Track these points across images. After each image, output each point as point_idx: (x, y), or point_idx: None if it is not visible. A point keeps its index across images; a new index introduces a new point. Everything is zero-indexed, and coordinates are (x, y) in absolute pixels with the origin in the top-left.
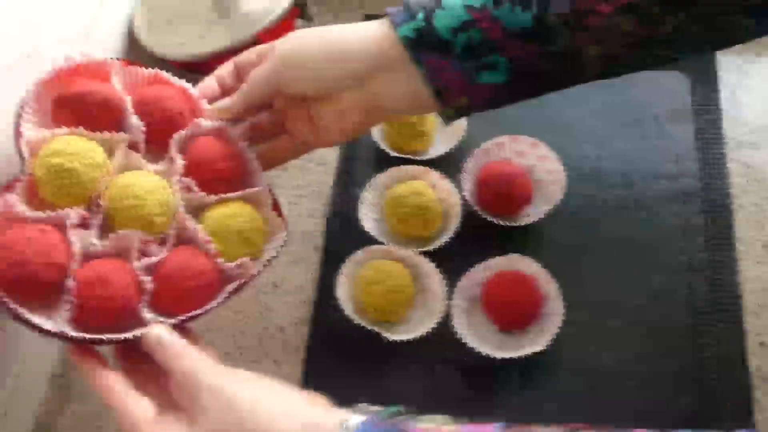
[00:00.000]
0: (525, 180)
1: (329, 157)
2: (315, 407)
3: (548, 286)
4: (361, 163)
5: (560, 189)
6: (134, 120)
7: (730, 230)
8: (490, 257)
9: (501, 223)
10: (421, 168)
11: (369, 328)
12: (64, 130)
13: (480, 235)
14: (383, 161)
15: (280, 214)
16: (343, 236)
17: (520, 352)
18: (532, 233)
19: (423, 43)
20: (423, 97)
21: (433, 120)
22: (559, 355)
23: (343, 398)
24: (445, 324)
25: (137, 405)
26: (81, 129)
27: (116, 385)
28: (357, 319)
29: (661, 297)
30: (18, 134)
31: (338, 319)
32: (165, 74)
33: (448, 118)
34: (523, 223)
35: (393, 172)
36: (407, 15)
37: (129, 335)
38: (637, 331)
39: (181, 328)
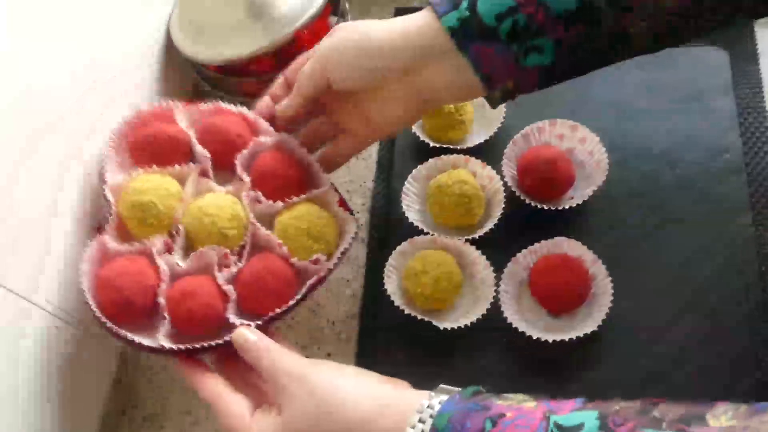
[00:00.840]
0: (566, 163)
1: (370, 150)
2: (395, 389)
3: (595, 267)
4: (401, 155)
5: (603, 170)
6: (199, 150)
7: None
8: (535, 242)
9: (545, 207)
10: (461, 157)
11: (419, 317)
12: (139, 171)
13: (524, 220)
14: (423, 152)
15: (348, 210)
16: (388, 229)
17: (571, 334)
18: (576, 216)
19: (468, 31)
20: (471, 83)
21: (471, 109)
22: (612, 339)
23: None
24: (494, 310)
25: (233, 402)
26: (154, 167)
27: (215, 387)
28: (407, 309)
29: (715, 278)
30: (103, 181)
31: (388, 310)
32: (223, 104)
33: (495, 102)
34: (566, 206)
35: (434, 162)
36: (450, 4)
37: (220, 341)
38: (693, 314)
39: (265, 328)
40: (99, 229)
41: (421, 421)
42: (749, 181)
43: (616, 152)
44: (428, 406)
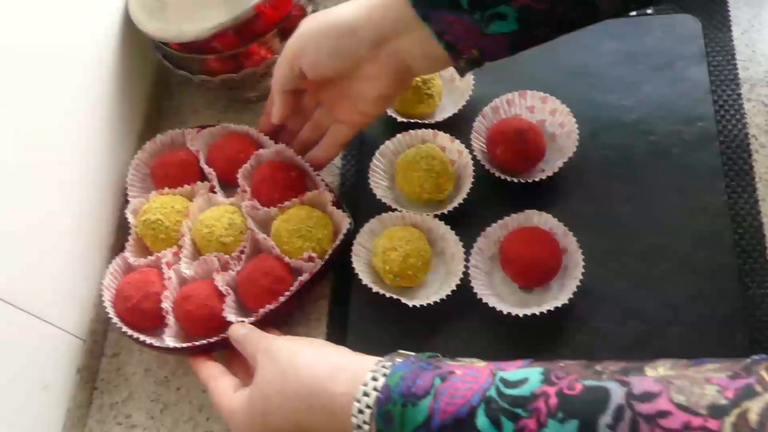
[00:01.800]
0: (537, 135)
1: None
2: (354, 355)
3: (566, 239)
4: (369, 131)
5: (574, 142)
6: (206, 169)
7: (751, 171)
8: (505, 216)
9: (515, 180)
10: (429, 131)
11: (388, 295)
12: (154, 193)
13: (494, 194)
14: (391, 127)
15: (341, 209)
16: (357, 206)
17: (543, 307)
18: (547, 189)
19: (430, 1)
20: (437, 52)
21: (439, 82)
22: (587, 310)
23: None
24: (465, 286)
25: (222, 382)
26: (166, 189)
27: (211, 370)
28: (376, 288)
29: (690, 247)
30: (125, 204)
31: (357, 289)
32: (230, 125)
33: (462, 71)
34: (537, 179)
35: (402, 137)
36: None
37: (217, 338)
38: (672, 282)
39: (262, 321)
40: (122, 248)
41: (374, 378)
42: (723, 149)
43: (588, 123)
44: (382, 366)
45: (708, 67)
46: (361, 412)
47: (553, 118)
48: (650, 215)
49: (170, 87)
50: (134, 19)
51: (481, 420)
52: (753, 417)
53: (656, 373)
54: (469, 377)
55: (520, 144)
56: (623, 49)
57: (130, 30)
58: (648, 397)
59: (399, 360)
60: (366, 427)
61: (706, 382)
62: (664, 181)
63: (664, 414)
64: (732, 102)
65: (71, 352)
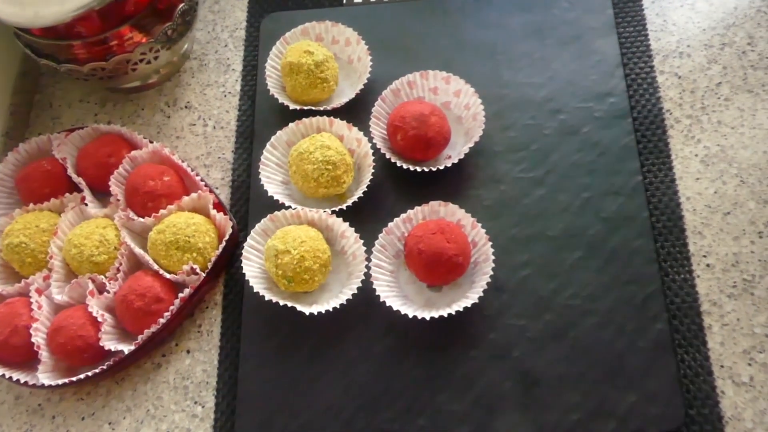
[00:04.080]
0: (441, 119)
1: (228, 118)
2: None
3: (475, 232)
4: (261, 121)
5: (480, 124)
6: (75, 177)
7: (666, 148)
8: (409, 208)
9: (419, 168)
10: (325, 119)
11: (282, 303)
12: (18, 211)
13: (398, 185)
14: (284, 116)
15: (223, 211)
16: (247, 205)
17: (452, 308)
18: (455, 176)
19: None
20: None
21: (334, 65)
22: (503, 304)
23: (270, 378)
24: (368, 287)
25: None
26: (31, 205)
27: None
28: (269, 295)
29: (606, 228)
30: None
31: (251, 297)
32: (101, 126)
33: None
34: (442, 167)
35: (294, 126)
36: None
37: (97, 370)
38: (587, 264)
39: (144, 346)
40: None
41: None
42: (636, 126)
43: (494, 103)
44: None
45: (618, 39)
46: None
47: (458, 100)
48: (561, 199)
49: (41, 79)
50: None
51: None
52: None
53: None
54: None
55: (423, 129)
56: (530, 23)
57: None
58: None
59: None
60: None
61: None
62: (575, 162)
63: None
64: (645, 75)
65: None
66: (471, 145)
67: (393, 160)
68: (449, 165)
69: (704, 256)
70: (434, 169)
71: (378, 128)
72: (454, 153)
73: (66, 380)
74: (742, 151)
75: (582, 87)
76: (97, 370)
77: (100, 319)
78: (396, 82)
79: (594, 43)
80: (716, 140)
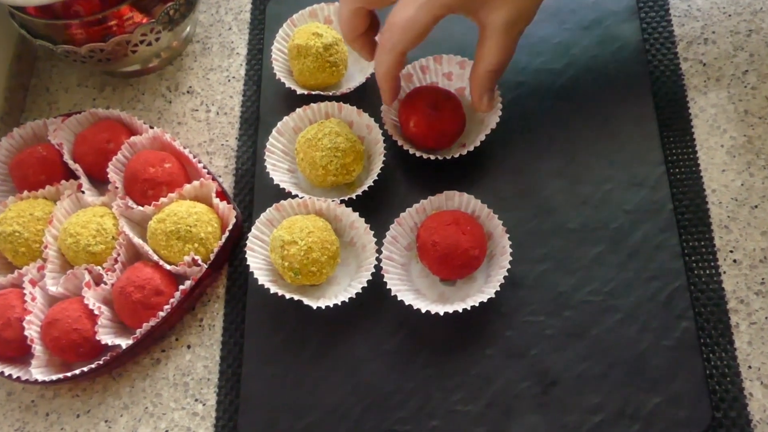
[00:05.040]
0: (455, 105)
1: (232, 103)
2: None
3: (491, 223)
4: (267, 106)
5: (497, 111)
6: (71, 164)
7: (691, 139)
8: (423, 198)
9: (432, 157)
10: (334, 104)
11: (288, 296)
12: (12, 198)
13: (410, 174)
14: (291, 101)
15: (226, 200)
16: (251, 194)
17: (467, 303)
18: (469, 165)
19: None
20: None
21: (344, 48)
22: (520, 300)
23: (274, 376)
24: (378, 280)
25: None
26: (25, 192)
27: None
28: (274, 288)
29: (629, 221)
30: None
31: (255, 290)
32: (99, 110)
33: None
34: (457, 155)
35: (302, 112)
36: None
37: (93, 365)
38: (609, 259)
39: (142, 342)
40: None
41: None
42: (659, 116)
43: (512, 90)
44: None
45: (641, 24)
46: None
47: None
48: (582, 191)
49: (37, 63)
50: None
51: None
52: None
53: None
54: None
55: (437, 116)
56: (548, 6)
57: None
58: None
59: None
60: None
61: None
62: (596, 153)
63: None
64: (668, 62)
65: None
66: (487, 132)
67: (405, 148)
68: (464, 153)
69: (731, 252)
70: (448, 158)
71: (389, 114)
72: (468, 141)
73: (60, 376)
74: None
75: (603, 74)
76: (93, 366)
77: (96, 312)
78: (408, 67)
79: (615, 28)
80: (743, 130)
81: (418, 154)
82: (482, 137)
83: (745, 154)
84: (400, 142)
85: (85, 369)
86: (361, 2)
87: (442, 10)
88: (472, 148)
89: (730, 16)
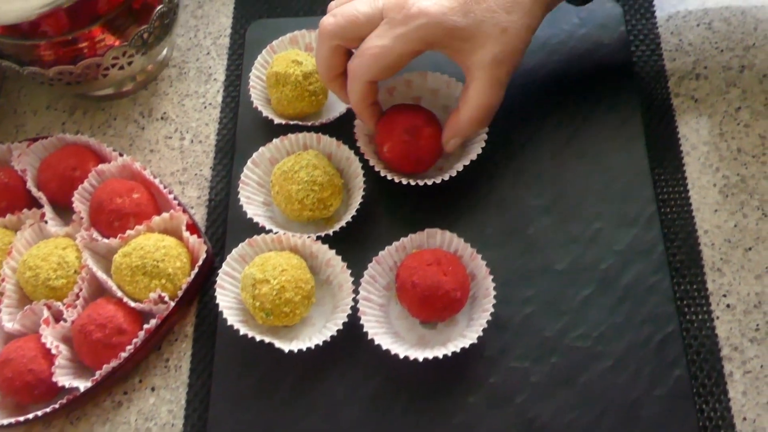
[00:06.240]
0: (433, 132)
1: (207, 131)
2: None
3: (474, 263)
4: (243, 136)
5: (480, 141)
6: (35, 192)
7: (683, 177)
8: (403, 235)
9: (405, 181)
10: (313, 135)
11: (258, 338)
12: None
13: (390, 207)
14: (270, 131)
15: (197, 233)
16: (224, 227)
17: (448, 349)
18: (453, 198)
19: None
20: None
21: None
22: (504, 345)
23: (244, 421)
24: (355, 322)
25: None
26: None
27: None
28: (244, 329)
29: (620, 260)
30: None
31: (225, 330)
32: (66, 136)
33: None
34: (435, 181)
35: (279, 142)
36: None
37: (47, 409)
38: (598, 302)
39: (102, 383)
40: None
41: None
42: (650, 152)
43: (499, 119)
44: None
45: (631, 57)
46: None
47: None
48: (571, 229)
49: (5, 83)
50: None
51: None
52: None
53: None
54: None
55: (413, 143)
56: (539, 36)
57: None
58: None
59: None
60: None
61: None
62: (586, 188)
63: None
64: (659, 97)
65: None
66: (466, 163)
67: (377, 169)
68: (446, 179)
69: (724, 296)
70: (422, 184)
71: (363, 131)
72: (447, 165)
73: (13, 420)
74: (764, 182)
75: (594, 107)
76: (48, 409)
77: (54, 351)
78: (389, 81)
79: (606, 60)
80: (736, 169)
81: (389, 177)
82: (460, 167)
83: (738, 194)
84: (372, 162)
85: (39, 413)
86: (338, 40)
87: (420, 45)
88: (447, 177)
89: (722, 51)
